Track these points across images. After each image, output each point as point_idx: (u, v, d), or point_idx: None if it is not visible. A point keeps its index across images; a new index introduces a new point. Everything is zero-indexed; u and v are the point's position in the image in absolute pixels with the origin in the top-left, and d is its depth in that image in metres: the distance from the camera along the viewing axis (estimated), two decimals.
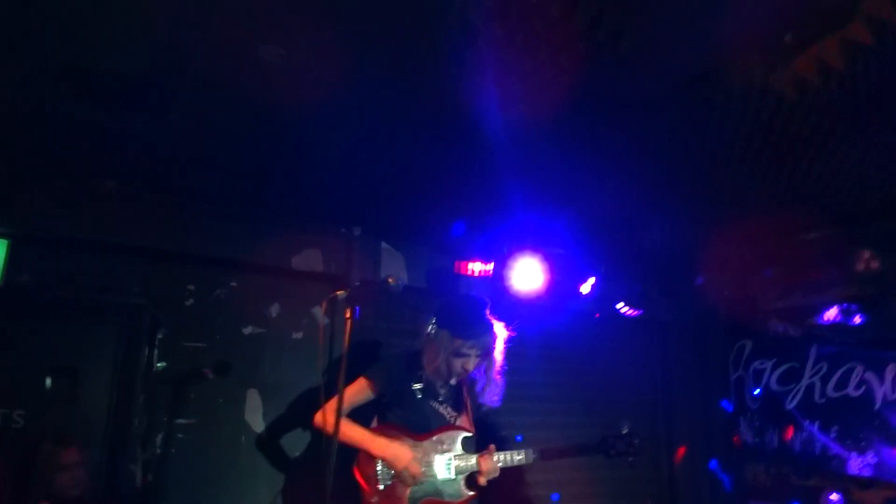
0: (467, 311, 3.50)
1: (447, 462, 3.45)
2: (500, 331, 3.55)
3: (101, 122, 3.20)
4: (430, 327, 3.51)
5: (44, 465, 2.92)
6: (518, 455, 3.55)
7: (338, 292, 2.63)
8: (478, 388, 3.64)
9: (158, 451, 3.84)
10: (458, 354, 3.42)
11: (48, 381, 3.64)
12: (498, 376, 3.60)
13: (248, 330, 4.31)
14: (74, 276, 3.77)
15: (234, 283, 4.29)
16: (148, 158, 3.61)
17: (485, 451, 3.49)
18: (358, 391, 3.47)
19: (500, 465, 3.49)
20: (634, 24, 2.27)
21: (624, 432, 3.74)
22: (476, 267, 4.60)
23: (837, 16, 2.36)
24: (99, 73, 2.82)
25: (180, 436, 3.93)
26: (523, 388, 4.69)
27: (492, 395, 3.62)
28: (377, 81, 2.88)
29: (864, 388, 4.94)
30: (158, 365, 3.94)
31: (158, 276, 4.02)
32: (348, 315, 2.52)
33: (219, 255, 4.19)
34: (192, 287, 4.15)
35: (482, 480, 3.44)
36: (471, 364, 3.47)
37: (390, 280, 2.78)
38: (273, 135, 3.39)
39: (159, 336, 3.96)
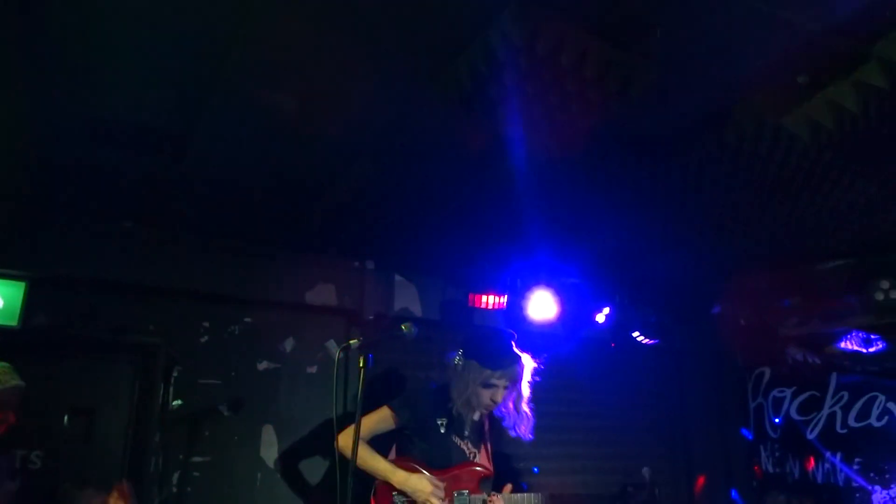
0: (495, 342, 3.53)
1: (464, 501, 3.43)
2: (528, 362, 3.57)
3: (117, 167, 3.25)
4: (456, 359, 3.51)
5: None
6: (534, 500, 3.49)
7: (351, 341, 2.63)
8: (506, 422, 3.62)
9: (175, 489, 3.84)
10: (487, 385, 3.43)
11: (65, 421, 3.67)
12: (527, 408, 3.59)
13: (262, 365, 4.32)
14: (91, 316, 3.80)
15: (248, 319, 4.31)
16: (163, 200, 3.65)
17: (497, 494, 3.44)
18: (380, 420, 3.47)
19: None
20: (643, 72, 2.27)
21: (646, 480, 3.68)
22: (490, 299, 4.59)
23: (851, 58, 2.35)
24: (115, 121, 2.87)
25: (196, 474, 3.94)
26: (540, 418, 4.64)
27: (522, 428, 3.60)
28: (394, 120, 2.90)
29: (886, 418, 4.84)
30: (174, 403, 3.95)
31: (173, 315, 4.05)
32: (361, 364, 2.51)
33: (232, 292, 4.22)
34: (206, 324, 4.17)
35: None
36: (499, 396, 3.47)
37: (404, 327, 2.78)
38: (286, 175, 3.42)
39: (174, 374, 3.98)
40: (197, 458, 3.96)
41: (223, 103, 2.71)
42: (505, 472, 3.69)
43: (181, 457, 3.91)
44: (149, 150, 3.10)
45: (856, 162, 2.94)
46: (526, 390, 3.57)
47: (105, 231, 3.85)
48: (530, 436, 3.62)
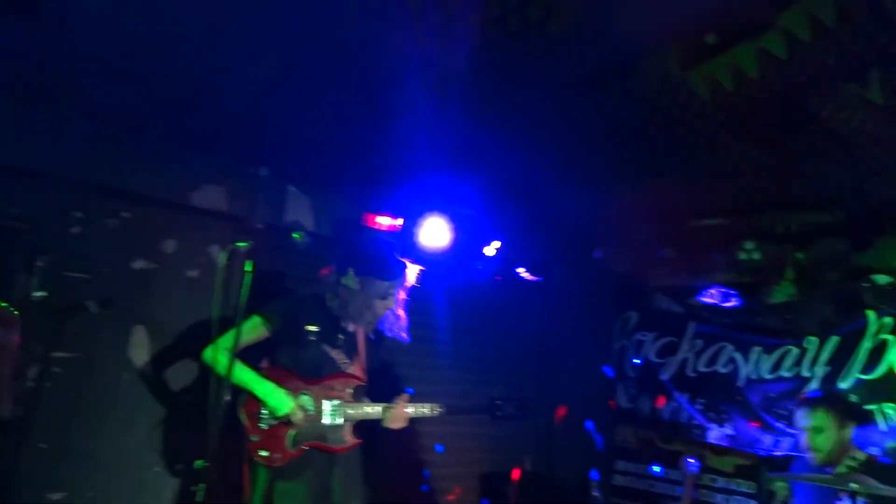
0: (385, 253, 3.59)
1: (335, 408, 3.47)
2: (411, 269, 3.67)
3: None
4: (347, 279, 3.48)
5: None
6: (424, 408, 3.65)
7: (238, 244, 2.53)
8: (382, 325, 3.68)
9: (31, 383, 3.63)
10: (383, 297, 3.50)
11: None
12: (401, 311, 3.67)
13: (138, 264, 4.09)
14: None
15: (125, 214, 4.03)
16: (37, 71, 3.30)
17: (398, 400, 3.56)
18: (250, 329, 3.40)
19: (411, 414, 3.57)
20: (564, 7, 2.26)
21: (514, 395, 3.90)
22: (384, 221, 4.56)
23: (758, 24, 2.44)
24: None
25: (56, 370, 3.73)
26: (420, 343, 4.75)
27: (399, 330, 3.69)
28: (293, 27, 2.75)
29: (731, 366, 5.35)
30: (36, 294, 3.69)
31: (40, 200, 3.71)
32: (248, 269, 2.43)
33: (110, 183, 3.92)
34: (78, 214, 3.87)
35: (392, 426, 3.54)
36: (391, 303, 3.56)
37: (296, 235, 2.70)
38: (179, 59, 3.17)
39: (38, 263, 3.69)
40: (59, 354, 3.74)
41: None
42: (379, 390, 3.76)
43: (41, 350, 3.68)
44: (25, 14, 2.77)
45: (747, 126, 3.11)
46: (402, 294, 3.67)
47: None
48: (406, 336, 3.73)
